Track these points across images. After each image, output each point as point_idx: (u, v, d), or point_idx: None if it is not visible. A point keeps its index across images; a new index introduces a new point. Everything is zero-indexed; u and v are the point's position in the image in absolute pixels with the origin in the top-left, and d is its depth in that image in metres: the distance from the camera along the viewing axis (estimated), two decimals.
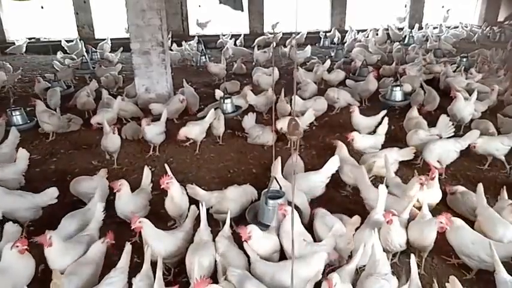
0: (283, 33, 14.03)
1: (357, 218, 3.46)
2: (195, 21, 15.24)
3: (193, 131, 5.72)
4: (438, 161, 4.89)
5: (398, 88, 7.42)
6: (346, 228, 3.40)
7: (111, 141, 5.38)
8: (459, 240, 3.35)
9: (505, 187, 4.09)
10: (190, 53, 12.09)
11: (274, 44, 12.63)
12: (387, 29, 14.93)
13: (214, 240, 3.37)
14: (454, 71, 8.51)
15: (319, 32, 15.10)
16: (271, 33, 14.61)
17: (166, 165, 4.24)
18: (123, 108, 6.85)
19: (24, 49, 13.41)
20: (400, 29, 15.28)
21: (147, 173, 4.35)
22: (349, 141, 5.07)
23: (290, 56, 11.50)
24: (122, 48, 11.73)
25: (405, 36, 14.55)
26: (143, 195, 4.13)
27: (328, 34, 14.86)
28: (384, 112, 5.81)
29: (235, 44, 13.14)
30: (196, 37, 13.42)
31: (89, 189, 4.30)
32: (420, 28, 15.94)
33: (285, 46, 12.12)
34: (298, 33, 14.35)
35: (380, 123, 5.58)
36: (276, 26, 14.41)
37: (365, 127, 5.82)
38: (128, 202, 3.90)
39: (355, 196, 4.63)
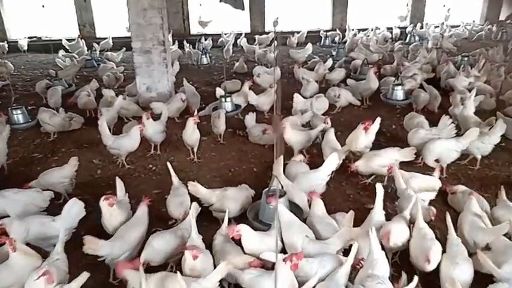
0: (282, 32, 14.02)
1: (350, 214, 3.52)
2: (197, 19, 15.23)
3: (189, 141, 5.55)
4: (437, 160, 4.89)
5: (399, 87, 7.41)
6: (345, 226, 3.41)
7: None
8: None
9: (502, 187, 4.05)
10: (191, 51, 12.09)
11: (276, 43, 12.63)
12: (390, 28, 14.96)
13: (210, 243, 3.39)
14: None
15: (319, 31, 15.11)
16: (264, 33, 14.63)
17: (168, 164, 4.23)
18: (124, 107, 6.86)
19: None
20: (361, 30, 15.11)
21: (119, 184, 4.09)
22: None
23: (290, 55, 11.50)
24: (124, 48, 11.71)
25: (407, 35, 14.56)
26: (125, 206, 3.92)
27: (329, 33, 14.87)
28: (322, 125, 5.41)
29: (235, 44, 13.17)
30: (176, 42, 12.90)
31: (61, 179, 4.43)
32: (422, 27, 15.92)
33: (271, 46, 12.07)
34: (299, 32, 14.35)
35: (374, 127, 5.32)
36: (276, 23, 14.41)
37: (297, 142, 5.27)
38: (116, 217, 3.68)
39: (355, 195, 4.65)
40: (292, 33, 14.27)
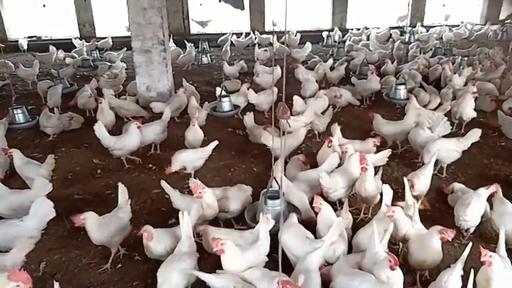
0: (281, 32, 14.00)
1: (345, 204, 3.64)
2: (197, 19, 15.25)
3: (193, 142, 5.55)
4: (437, 160, 4.87)
5: (402, 86, 7.39)
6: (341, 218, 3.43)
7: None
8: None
9: (498, 185, 4.00)
10: (191, 50, 12.07)
11: (276, 43, 12.62)
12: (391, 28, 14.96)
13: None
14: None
15: (320, 31, 15.10)
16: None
17: (163, 182, 4.05)
18: (125, 107, 6.85)
19: None
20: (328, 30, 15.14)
21: (122, 190, 3.80)
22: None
23: (291, 55, 11.50)
24: (125, 48, 11.67)
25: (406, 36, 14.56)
26: (121, 215, 3.59)
27: (331, 33, 14.86)
28: (215, 142, 5.10)
29: (233, 44, 13.22)
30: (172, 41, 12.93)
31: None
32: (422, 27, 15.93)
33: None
34: (288, 31, 14.32)
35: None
36: (275, 23, 14.38)
37: (188, 160, 4.94)
38: (101, 231, 3.41)
39: (355, 195, 4.64)
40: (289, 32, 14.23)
